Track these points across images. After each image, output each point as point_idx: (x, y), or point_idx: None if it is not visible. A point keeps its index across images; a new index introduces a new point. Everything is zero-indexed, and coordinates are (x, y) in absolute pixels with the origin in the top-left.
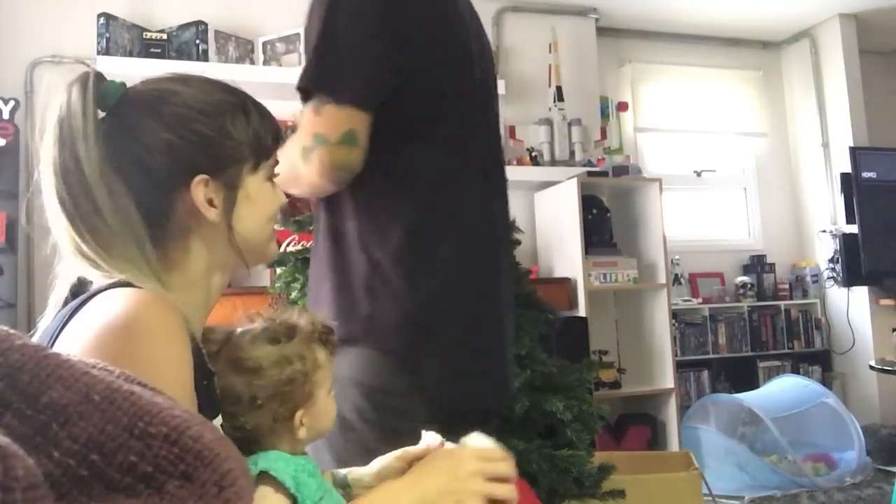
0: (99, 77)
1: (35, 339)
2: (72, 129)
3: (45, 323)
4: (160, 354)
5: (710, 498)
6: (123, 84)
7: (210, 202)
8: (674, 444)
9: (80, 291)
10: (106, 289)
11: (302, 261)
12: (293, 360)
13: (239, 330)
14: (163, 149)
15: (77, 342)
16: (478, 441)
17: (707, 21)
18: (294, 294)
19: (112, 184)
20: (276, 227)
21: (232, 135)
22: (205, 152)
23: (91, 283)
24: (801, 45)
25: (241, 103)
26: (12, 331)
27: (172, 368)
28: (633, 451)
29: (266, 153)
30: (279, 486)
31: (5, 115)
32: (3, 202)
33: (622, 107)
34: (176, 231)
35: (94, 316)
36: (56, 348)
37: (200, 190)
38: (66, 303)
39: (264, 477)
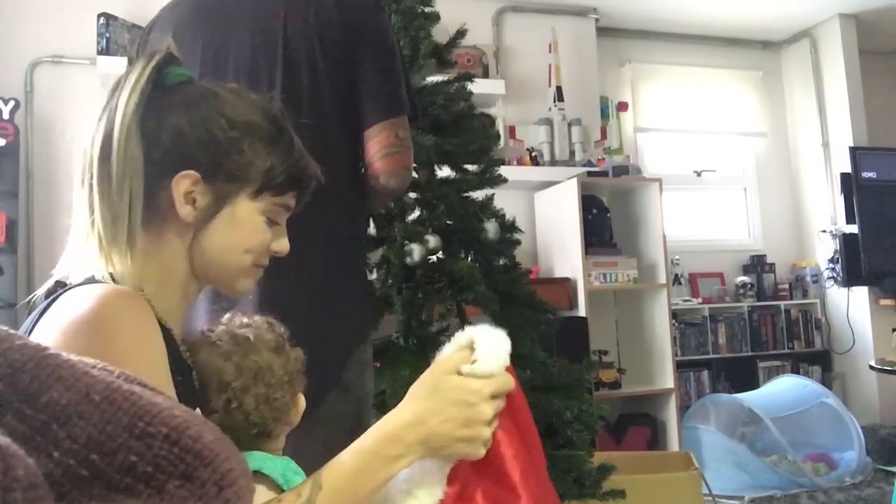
0: (169, 59)
1: None
2: (117, 89)
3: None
4: (125, 343)
5: (710, 498)
6: (190, 76)
7: (193, 202)
8: (674, 444)
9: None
10: (75, 287)
11: None
12: (291, 346)
13: (228, 326)
14: (173, 133)
15: (45, 340)
16: (488, 336)
17: (707, 21)
18: None
19: (130, 149)
20: (257, 267)
21: (244, 152)
22: (207, 153)
23: (67, 284)
24: (801, 45)
25: (273, 134)
26: (12, 331)
27: (140, 356)
28: (633, 451)
29: (273, 188)
30: (271, 483)
31: (5, 115)
32: (3, 202)
33: (622, 107)
34: (155, 215)
35: (61, 313)
36: None
37: (183, 183)
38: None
39: (255, 476)
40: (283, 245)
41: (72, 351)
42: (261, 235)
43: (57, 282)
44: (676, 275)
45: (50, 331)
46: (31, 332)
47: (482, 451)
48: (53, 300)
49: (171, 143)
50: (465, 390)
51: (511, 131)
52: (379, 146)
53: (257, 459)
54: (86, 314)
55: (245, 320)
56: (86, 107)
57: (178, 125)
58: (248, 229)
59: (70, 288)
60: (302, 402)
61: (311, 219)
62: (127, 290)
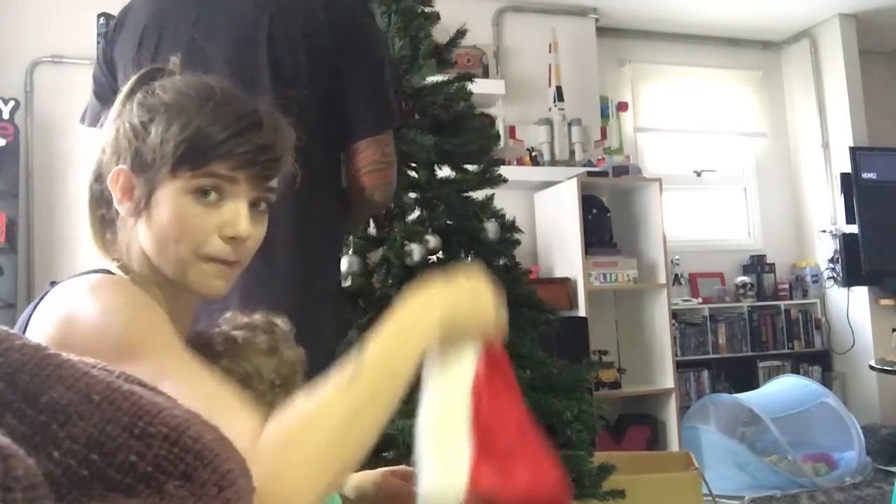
0: (157, 70)
1: None
2: None
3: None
4: (124, 300)
5: (710, 498)
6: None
7: (132, 197)
8: (674, 444)
9: None
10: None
11: None
12: (290, 346)
13: (221, 328)
14: (112, 135)
15: (40, 329)
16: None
17: (707, 21)
18: None
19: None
20: (211, 261)
21: (150, 131)
22: (129, 144)
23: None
24: (801, 45)
25: (187, 105)
26: (12, 331)
27: (142, 311)
28: (633, 451)
29: (190, 160)
30: None
31: (5, 115)
32: (3, 202)
33: (622, 107)
34: (112, 218)
35: (53, 302)
36: None
37: (117, 180)
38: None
39: None
40: (238, 229)
41: (67, 337)
42: (191, 219)
43: (51, 282)
44: (676, 275)
45: (44, 319)
46: (26, 326)
47: (493, 329)
48: (45, 295)
49: (110, 145)
50: (469, 280)
51: (511, 131)
52: (366, 161)
53: None
54: (76, 297)
55: (245, 320)
56: (86, 107)
57: (115, 126)
58: (171, 213)
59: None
60: None
61: (288, 224)
62: (118, 277)
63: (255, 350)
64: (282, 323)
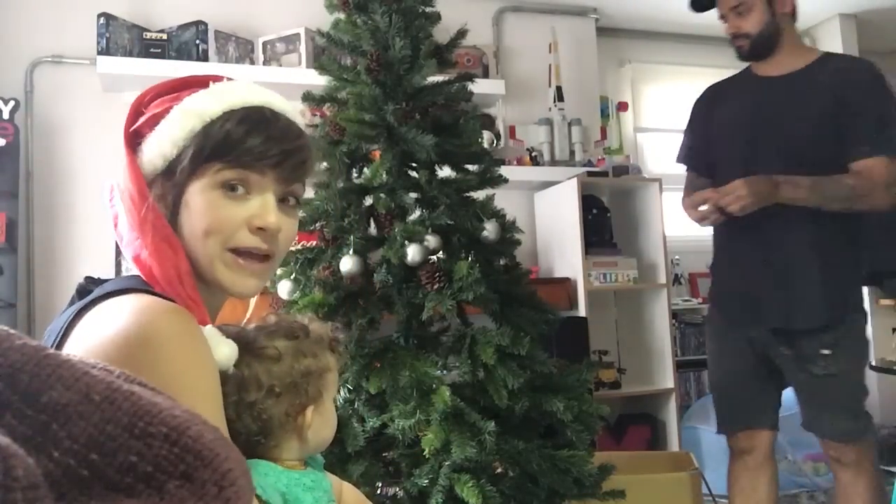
0: None
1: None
2: None
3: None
4: (185, 364)
5: (710, 498)
6: None
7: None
8: (674, 444)
9: (86, 291)
10: (115, 294)
11: (304, 261)
12: (308, 355)
13: (253, 325)
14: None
15: (89, 348)
16: None
17: (707, 21)
18: (295, 295)
19: None
20: (236, 254)
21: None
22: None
23: (98, 281)
24: None
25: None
26: (12, 331)
27: (200, 378)
28: (633, 451)
29: (212, 157)
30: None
31: (5, 115)
32: (3, 202)
33: (622, 107)
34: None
35: (106, 322)
36: (65, 350)
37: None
38: (72, 302)
39: None
40: (266, 219)
41: (122, 363)
42: (216, 211)
43: (87, 277)
44: (676, 275)
45: (95, 338)
46: (61, 333)
47: None
48: (89, 303)
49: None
50: None
51: (511, 131)
52: None
53: (259, 474)
54: (135, 327)
55: (258, 324)
56: (86, 107)
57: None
58: (199, 208)
59: (110, 294)
60: (310, 416)
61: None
62: (172, 305)
63: (255, 355)
64: (303, 328)
